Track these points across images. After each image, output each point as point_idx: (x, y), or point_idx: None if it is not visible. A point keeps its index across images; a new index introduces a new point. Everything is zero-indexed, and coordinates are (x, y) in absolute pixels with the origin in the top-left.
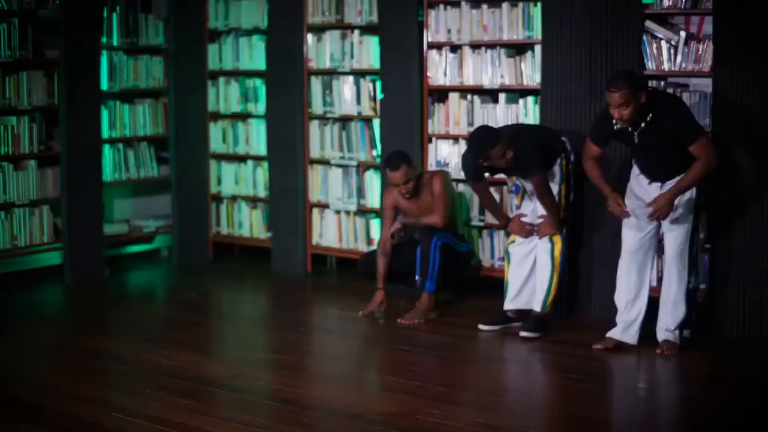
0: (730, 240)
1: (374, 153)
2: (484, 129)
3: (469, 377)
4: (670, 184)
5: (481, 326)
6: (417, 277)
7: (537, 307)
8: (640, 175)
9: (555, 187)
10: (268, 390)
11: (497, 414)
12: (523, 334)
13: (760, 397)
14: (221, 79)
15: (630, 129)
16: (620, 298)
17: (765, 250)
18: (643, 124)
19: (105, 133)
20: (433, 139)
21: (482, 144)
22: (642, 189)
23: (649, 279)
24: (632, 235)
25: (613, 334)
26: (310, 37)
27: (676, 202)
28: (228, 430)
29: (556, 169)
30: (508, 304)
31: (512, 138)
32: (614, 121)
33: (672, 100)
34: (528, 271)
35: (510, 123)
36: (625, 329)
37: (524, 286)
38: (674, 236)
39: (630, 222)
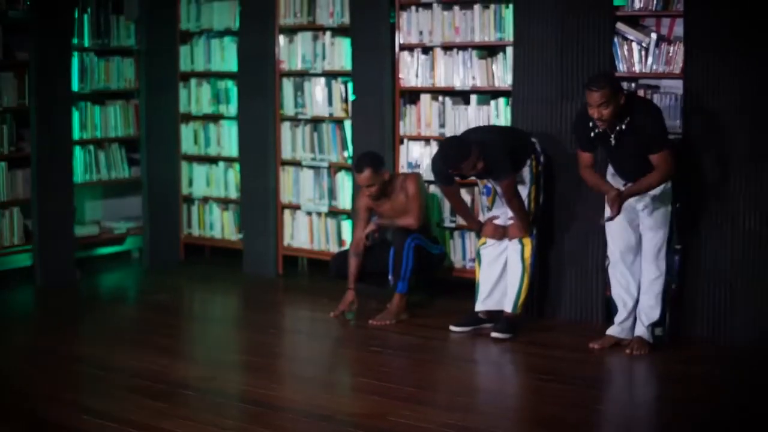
0: (699, 240)
1: (346, 154)
2: (455, 142)
3: (441, 378)
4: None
5: (453, 327)
6: (390, 278)
7: (508, 308)
8: (614, 176)
9: (525, 189)
10: (240, 392)
11: (468, 415)
12: (494, 335)
13: (729, 397)
14: (193, 81)
15: (607, 131)
16: (618, 296)
17: (733, 250)
18: (620, 127)
19: (76, 134)
20: (405, 141)
21: (453, 158)
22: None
23: (638, 277)
24: (621, 235)
25: (612, 331)
26: (281, 39)
27: (656, 204)
28: None
29: (526, 170)
30: (479, 306)
31: (481, 144)
32: (591, 125)
33: (650, 105)
34: (499, 272)
35: (481, 125)
36: (623, 326)
37: (495, 288)
38: (653, 237)
39: (617, 223)
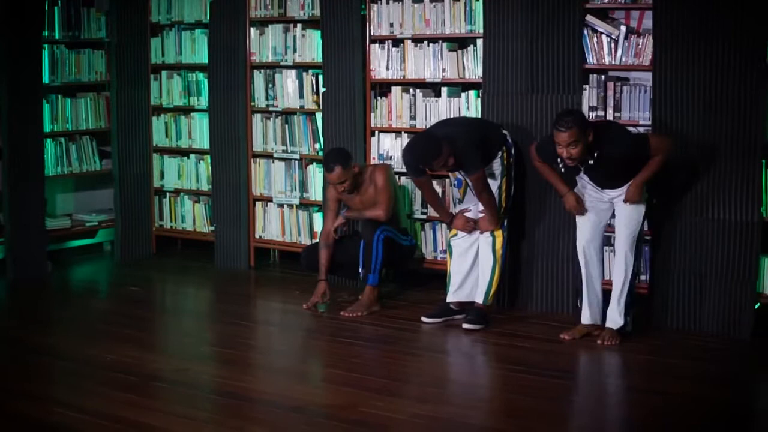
0: (669, 231)
1: (317, 146)
2: (426, 140)
3: (412, 369)
4: (622, 191)
5: (424, 319)
6: (360, 270)
7: (479, 299)
8: (589, 182)
9: (496, 181)
10: (212, 384)
11: (440, 406)
12: (465, 326)
13: (698, 387)
14: (164, 73)
15: (579, 166)
16: (587, 285)
17: (702, 242)
18: (590, 161)
19: (47, 127)
20: (376, 133)
21: (423, 156)
22: (593, 188)
23: (608, 267)
24: (589, 227)
25: (583, 320)
26: (252, 31)
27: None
28: (171, 425)
29: (497, 162)
30: (451, 297)
31: (451, 139)
32: (559, 161)
33: (612, 130)
34: (470, 263)
35: (451, 117)
36: (593, 314)
37: (466, 279)
38: (626, 227)
39: (586, 214)
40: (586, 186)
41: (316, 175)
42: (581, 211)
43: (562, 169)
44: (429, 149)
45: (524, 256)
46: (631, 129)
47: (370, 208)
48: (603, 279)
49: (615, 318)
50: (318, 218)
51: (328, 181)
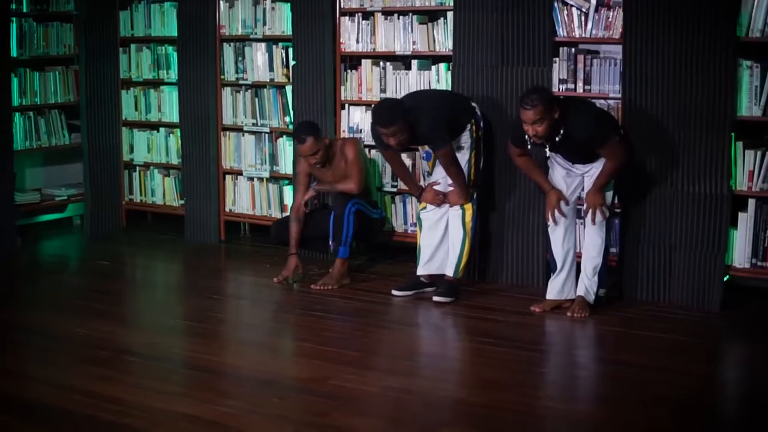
0: (638, 204)
1: (287, 120)
2: (388, 103)
3: (383, 342)
4: (593, 166)
5: (395, 292)
6: (330, 243)
7: (449, 272)
8: (558, 156)
9: (466, 154)
10: (184, 357)
11: (411, 378)
12: (436, 299)
13: (668, 358)
14: (133, 47)
15: (544, 143)
16: (557, 256)
17: (671, 215)
18: (555, 139)
19: (15, 100)
20: (346, 106)
21: (381, 118)
22: (563, 162)
23: (578, 238)
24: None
25: (552, 292)
26: (222, 4)
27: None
28: (144, 398)
29: (466, 135)
30: (421, 270)
31: (417, 111)
32: (527, 138)
33: (581, 109)
34: (440, 236)
35: (421, 89)
36: (564, 286)
37: (437, 252)
38: None
39: (559, 186)
40: (556, 158)
41: (286, 148)
42: (561, 212)
43: (529, 146)
44: (389, 112)
45: (494, 228)
46: (602, 103)
47: (342, 181)
48: (575, 251)
49: (585, 290)
50: (288, 191)
51: (300, 154)
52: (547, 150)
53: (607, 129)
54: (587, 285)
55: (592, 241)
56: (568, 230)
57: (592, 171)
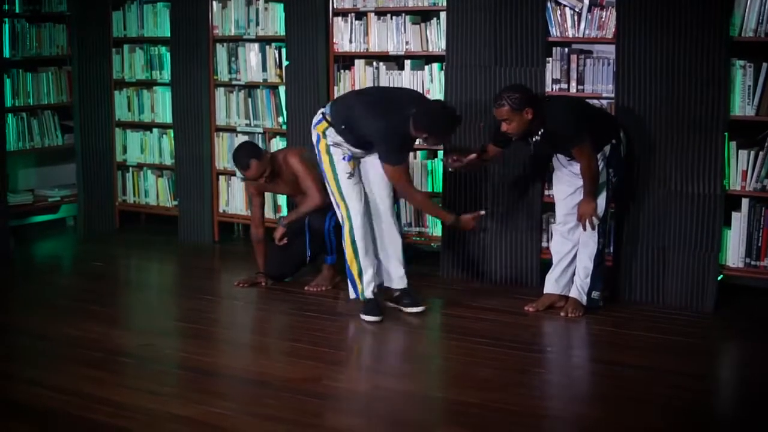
0: (632, 204)
1: (280, 120)
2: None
3: (375, 342)
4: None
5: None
6: (308, 253)
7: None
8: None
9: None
10: (177, 358)
11: (403, 379)
12: (409, 310)
13: (662, 359)
14: (126, 47)
15: (527, 139)
16: (556, 251)
17: (665, 214)
18: (534, 138)
19: (8, 101)
20: None
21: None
22: (564, 158)
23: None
24: (566, 199)
25: (548, 289)
26: (215, 4)
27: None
28: (137, 400)
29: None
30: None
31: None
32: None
33: (559, 112)
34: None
35: (412, 88)
36: (558, 282)
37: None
38: None
39: (561, 188)
40: (558, 158)
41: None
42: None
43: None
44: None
45: (489, 227)
46: (595, 103)
47: (304, 202)
48: (573, 252)
49: (579, 290)
50: None
51: (248, 179)
52: (531, 145)
53: (583, 133)
54: (579, 286)
55: (585, 245)
56: (571, 230)
57: None
